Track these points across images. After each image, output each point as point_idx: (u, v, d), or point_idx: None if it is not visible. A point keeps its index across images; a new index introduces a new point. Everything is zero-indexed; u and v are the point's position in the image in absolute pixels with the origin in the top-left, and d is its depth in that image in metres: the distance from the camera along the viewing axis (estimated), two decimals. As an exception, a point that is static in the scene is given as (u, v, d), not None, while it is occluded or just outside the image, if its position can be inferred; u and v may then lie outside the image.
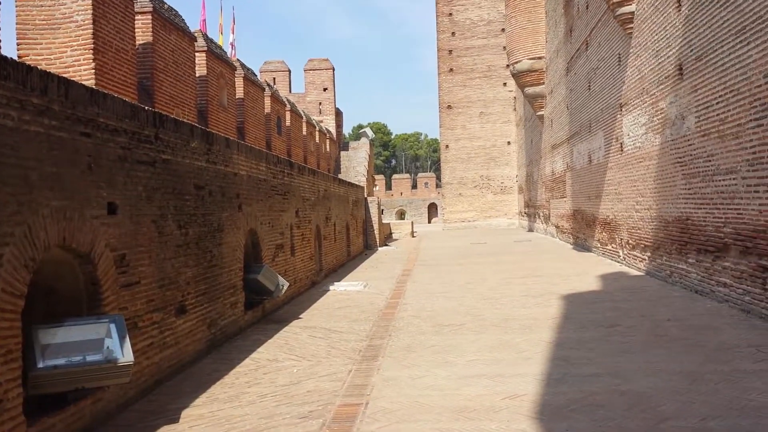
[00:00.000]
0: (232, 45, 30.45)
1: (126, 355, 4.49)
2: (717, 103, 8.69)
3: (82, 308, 4.81)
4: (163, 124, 6.09)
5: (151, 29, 11.15)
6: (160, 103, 11.46)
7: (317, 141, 28.73)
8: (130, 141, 5.41)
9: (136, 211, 5.46)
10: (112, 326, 4.62)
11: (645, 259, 12.28)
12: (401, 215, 57.81)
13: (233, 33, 31.16)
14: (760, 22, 7.33)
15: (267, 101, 20.44)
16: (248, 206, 8.77)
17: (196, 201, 6.84)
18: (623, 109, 13.59)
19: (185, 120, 7.44)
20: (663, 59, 10.90)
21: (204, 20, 23.45)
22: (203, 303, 6.94)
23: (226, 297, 7.72)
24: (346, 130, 72.66)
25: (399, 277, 13.72)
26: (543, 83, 25.59)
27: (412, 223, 33.65)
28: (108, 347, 4.47)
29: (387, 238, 28.65)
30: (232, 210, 8.04)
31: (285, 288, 9.29)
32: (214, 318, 7.25)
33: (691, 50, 9.56)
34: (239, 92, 17.30)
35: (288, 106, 23.65)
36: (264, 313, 9.27)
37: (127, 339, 4.61)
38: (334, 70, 34.33)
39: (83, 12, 8.71)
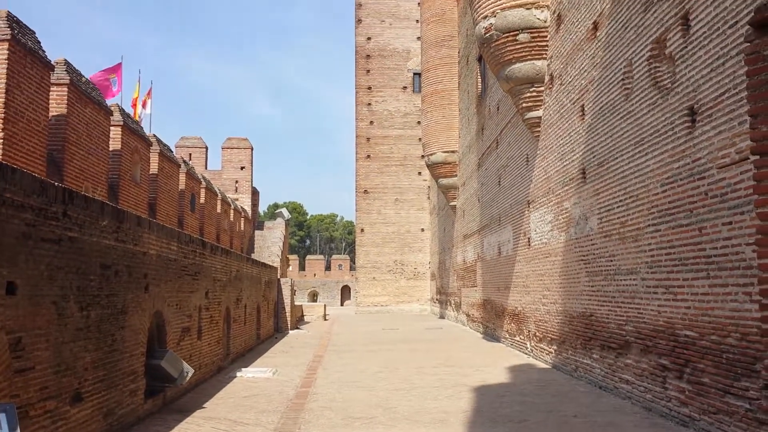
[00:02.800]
0: (140, 118, 29.86)
1: (13, 449, 4.14)
2: (618, 207, 9.25)
3: (-32, 396, 4.43)
4: (73, 201, 5.86)
5: (66, 101, 10.89)
6: (69, 177, 11.07)
7: (232, 219, 28.39)
8: (36, 218, 5.16)
9: (36, 291, 5.15)
10: (2, 416, 4.27)
11: (552, 352, 12.58)
12: (314, 297, 57.18)
13: (145, 108, 30.53)
14: (657, 135, 7.96)
15: (182, 177, 20.17)
16: (156, 287, 8.45)
17: (100, 281, 6.53)
18: (531, 206, 14.23)
19: (95, 195, 7.20)
20: (567, 162, 11.59)
21: (100, 83, 22.53)
22: (101, 390, 6.51)
23: (126, 384, 7.28)
24: (263, 208, 72.26)
25: (310, 364, 13.41)
26: (456, 175, 26.56)
27: (325, 306, 33.28)
28: (-5, 440, 4.13)
29: (299, 320, 28.12)
30: (138, 291, 7.72)
31: (189, 375, 8.88)
32: (111, 407, 6.80)
33: (594, 156, 10.23)
34: (153, 168, 17.01)
35: (203, 183, 23.40)
36: (165, 401, 8.78)
37: (18, 431, 4.25)
38: (252, 149, 34.47)
39: (-4, 81, 8.44)
